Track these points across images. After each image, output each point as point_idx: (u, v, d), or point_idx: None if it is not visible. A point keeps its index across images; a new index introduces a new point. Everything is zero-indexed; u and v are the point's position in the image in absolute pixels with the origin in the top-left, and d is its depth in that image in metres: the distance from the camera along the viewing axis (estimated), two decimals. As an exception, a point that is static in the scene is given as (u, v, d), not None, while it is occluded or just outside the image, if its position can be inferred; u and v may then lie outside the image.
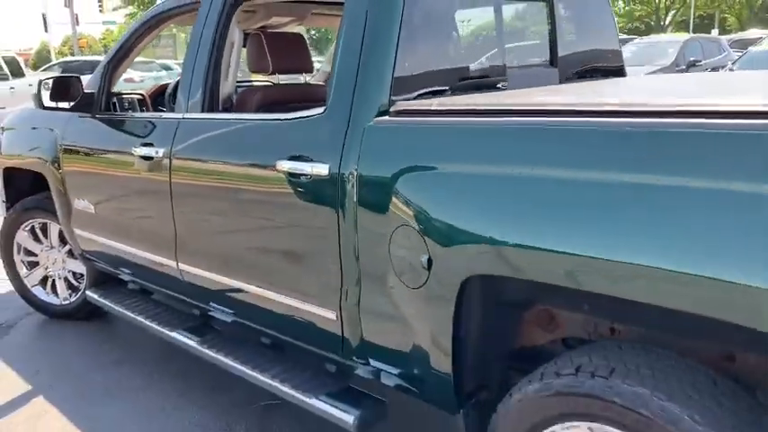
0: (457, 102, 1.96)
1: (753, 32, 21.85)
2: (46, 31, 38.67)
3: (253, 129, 2.37)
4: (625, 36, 19.93)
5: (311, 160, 2.03)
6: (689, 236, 1.29)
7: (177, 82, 3.18)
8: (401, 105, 1.93)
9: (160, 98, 3.71)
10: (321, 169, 1.99)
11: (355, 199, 1.91)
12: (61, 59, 22.52)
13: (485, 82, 2.30)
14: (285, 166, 2.09)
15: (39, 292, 3.91)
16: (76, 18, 33.80)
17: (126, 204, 3.06)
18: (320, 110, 2.08)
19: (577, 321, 1.80)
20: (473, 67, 2.30)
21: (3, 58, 13.29)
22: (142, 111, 3.51)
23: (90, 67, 10.53)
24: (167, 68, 14.03)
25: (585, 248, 1.42)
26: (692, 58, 11.13)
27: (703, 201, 1.28)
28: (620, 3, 51.80)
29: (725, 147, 1.30)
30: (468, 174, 1.67)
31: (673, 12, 51.35)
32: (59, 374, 3.24)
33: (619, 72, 2.93)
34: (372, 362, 2.07)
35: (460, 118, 1.81)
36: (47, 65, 19.53)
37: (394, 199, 1.79)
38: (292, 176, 2.09)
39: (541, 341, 1.89)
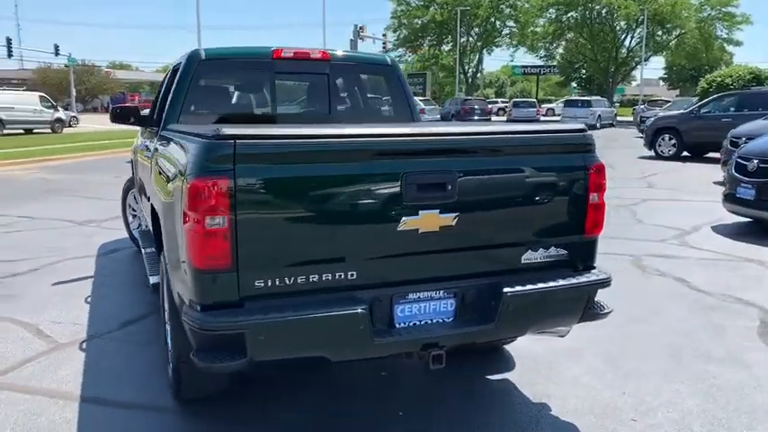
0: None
1: None
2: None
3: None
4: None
5: (147, 144, 4.30)
6: None
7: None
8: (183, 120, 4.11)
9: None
10: (151, 146, 4.24)
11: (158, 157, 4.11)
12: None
13: (259, 119, 4.33)
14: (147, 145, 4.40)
15: (135, 233, 6.67)
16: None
17: (142, 175, 5.55)
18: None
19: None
20: (241, 111, 4.39)
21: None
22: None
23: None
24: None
25: None
26: None
27: None
28: None
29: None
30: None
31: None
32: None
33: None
34: None
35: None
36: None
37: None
38: (147, 149, 4.37)
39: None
